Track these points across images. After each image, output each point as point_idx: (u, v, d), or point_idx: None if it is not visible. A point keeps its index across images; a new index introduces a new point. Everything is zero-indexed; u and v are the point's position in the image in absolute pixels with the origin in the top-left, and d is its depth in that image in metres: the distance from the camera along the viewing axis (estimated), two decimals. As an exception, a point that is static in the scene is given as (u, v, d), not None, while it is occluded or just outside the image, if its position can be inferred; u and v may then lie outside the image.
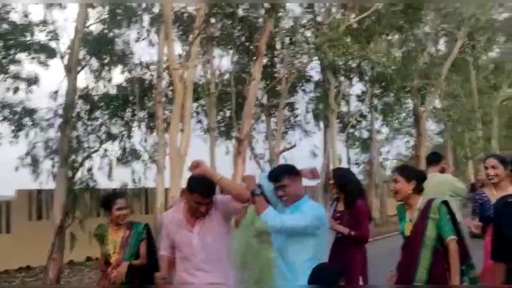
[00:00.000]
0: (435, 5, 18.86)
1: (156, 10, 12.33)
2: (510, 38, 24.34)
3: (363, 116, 19.45)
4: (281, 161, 15.37)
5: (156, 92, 11.43)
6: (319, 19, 14.71)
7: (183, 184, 11.69)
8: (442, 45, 22.34)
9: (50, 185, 13.61)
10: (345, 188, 4.38)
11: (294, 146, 15.47)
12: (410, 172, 3.39)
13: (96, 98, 13.35)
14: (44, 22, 12.13)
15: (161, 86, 11.58)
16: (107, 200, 4.21)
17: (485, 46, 23.68)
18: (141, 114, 13.93)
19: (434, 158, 5.87)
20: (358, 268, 4.23)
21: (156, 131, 11.44)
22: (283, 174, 3.15)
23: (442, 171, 5.75)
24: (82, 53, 12.76)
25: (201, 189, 3.10)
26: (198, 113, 16.04)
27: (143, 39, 12.15)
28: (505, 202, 3.03)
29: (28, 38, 11.90)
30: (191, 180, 3.18)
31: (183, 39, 13.48)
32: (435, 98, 21.31)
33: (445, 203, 3.24)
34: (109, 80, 13.45)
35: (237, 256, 4.16)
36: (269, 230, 3.54)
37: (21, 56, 12.20)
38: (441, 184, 5.54)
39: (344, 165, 19.79)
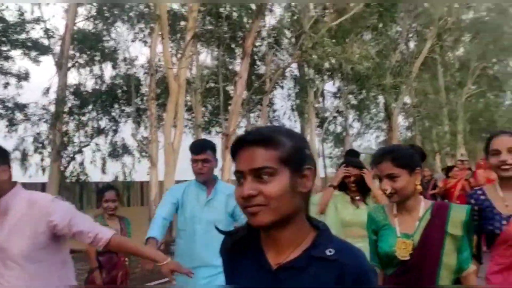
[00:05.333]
0: (407, 6, 19.89)
1: (146, 8, 12.70)
2: (475, 37, 25.74)
3: (339, 112, 20.31)
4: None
5: (150, 89, 11.88)
6: (300, 19, 15.37)
7: (177, 177, 12.28)
8: (412, 45, 23.40)
9: (39, 178, 13.88)
10: None
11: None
12: (411, 157, 2.21)
13: (86, 94, 13.65)
14: (37, 20, 12.37)
15: (154, 84, 12.03)
16: (100, 192, 4.51)
17: (452, 46, 25.04)
18: (129, 109, 14.31)
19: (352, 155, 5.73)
20: None
21: (150, 126, 11.90)
22: None
23: None
24: (73, 50, 13.10)
25: None
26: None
27: (140, 40, 12.52)
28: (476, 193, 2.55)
29: (22, 36, 12.13)
30: None
31: (172, 38, 13.91)
32: (406, 95, 22.41)
33: (472, 211, 2.29)
34: (99, 77, 13.78)
35: None
36: (357, 222, 3.60)
37: (14, 53, 12.42)
38: None
39: (320, 158, 20.73)
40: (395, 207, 2.28)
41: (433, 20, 21.16)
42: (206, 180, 3.35)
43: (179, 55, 12.39)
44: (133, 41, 12.51)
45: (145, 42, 13.27)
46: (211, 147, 3.35)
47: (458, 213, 2.18)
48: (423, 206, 2.23)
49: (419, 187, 2.21)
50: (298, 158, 1.18)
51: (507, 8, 25.88)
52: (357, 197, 3.92)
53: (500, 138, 2.45)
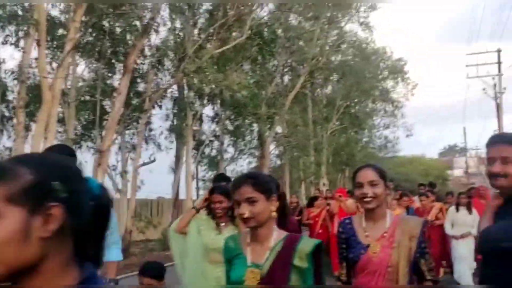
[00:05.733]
0: (284, 43, 21.30)
1: (21, 11, 11.93)
2: (342, 78, 28.38)
3: (215, 136, 20.79)
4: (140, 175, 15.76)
5: (19, 96, 11.09)
6: (184, 42, 15.60)
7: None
8: (287, 79, 24.98)
9: None
10: None
11: (153, 160, 15.97)
12: (269, 184, 2.28)
13: None
14: None
15: (24, 91, 11.26)
16: None
17: (322, 84, 27.33)
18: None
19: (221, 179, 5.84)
20: None
21: (15, 136, 11.04)
22: None
23: None
24: None
25: None
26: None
27: (11, 44, 11.59)
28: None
29: None
30: None
31: (48, 45, 13.18)
32: (278, 125, 23.74)
33: (320, 247, 2.26)
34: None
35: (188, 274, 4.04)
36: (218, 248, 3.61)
37: None
38: None
39: (194, 181, 20.90)
40: (248, 236, 2.29)
41: (306, 58, 22.90)
42: None
43: (55, 64, 11.80)
44: (3, 43, 11.58)
45: (16, 46, 12.38)
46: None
47: (305, 246, 2.19)
48: (276, 236, 2.24)
49: (274, 214, 2.25)
50: (37, 194, 0.93)
51: (369, 56, 29.05)
52: (223, 223, 3.90)
53: (363, 172, 2.59)
